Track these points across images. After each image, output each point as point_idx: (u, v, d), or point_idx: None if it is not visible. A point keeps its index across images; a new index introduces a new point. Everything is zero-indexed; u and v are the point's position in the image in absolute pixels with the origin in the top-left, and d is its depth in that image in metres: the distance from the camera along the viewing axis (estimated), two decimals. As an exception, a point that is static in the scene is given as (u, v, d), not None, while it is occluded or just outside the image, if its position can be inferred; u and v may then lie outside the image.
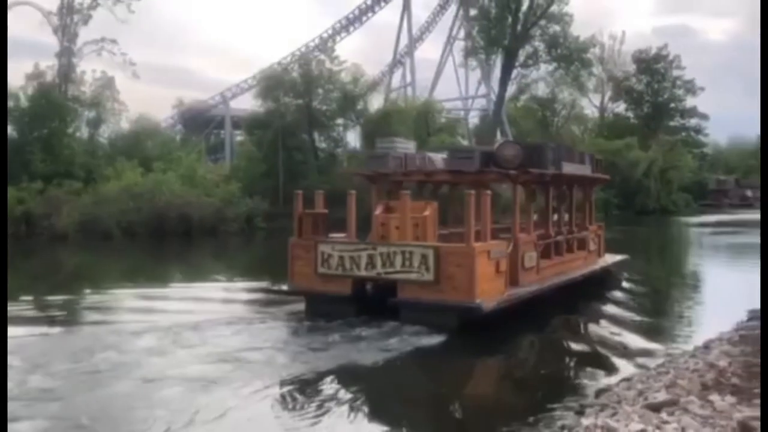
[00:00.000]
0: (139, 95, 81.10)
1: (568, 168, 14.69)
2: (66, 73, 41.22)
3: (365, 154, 18.12)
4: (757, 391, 6.06)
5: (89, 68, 44.35)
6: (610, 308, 14.27)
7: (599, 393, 7.72)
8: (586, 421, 6.10)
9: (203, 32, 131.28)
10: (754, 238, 37.08)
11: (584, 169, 16.10)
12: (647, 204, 60.98)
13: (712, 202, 77.32)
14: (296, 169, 44.17)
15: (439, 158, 14.53)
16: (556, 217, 15.38)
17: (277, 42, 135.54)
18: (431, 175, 14.30)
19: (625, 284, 17.43)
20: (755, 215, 60.40)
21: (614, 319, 13.01)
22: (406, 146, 14.99)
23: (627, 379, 8.17)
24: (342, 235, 12.99)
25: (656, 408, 6.07)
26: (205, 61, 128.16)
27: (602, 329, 12.29)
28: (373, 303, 11.62)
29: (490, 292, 11.21)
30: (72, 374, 8.31)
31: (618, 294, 16.14)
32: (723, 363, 7.54)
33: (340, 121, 49.72)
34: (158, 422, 6.73)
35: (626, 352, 10.16)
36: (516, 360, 10.34)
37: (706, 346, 9.23)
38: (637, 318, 13.46)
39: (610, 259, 17.82)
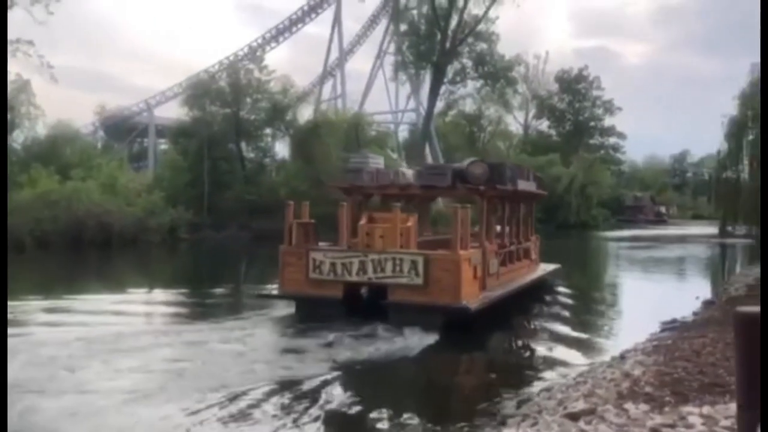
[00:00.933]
0: (58, 100, 77.92)
1: (522, 185, 16.44)
2: (-24, 74, 39.12)
3: (343, 167, 19.54)
4: (668, 399, 6.27)
5: (3, 70, 42.25)
6: (546, 315, 15.31)
7: (521, 403, 7.83)
8: (507, 432, 6.16)
9: (128, 37, 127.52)
10: (668, 252, 38.94)
11: (531, 186, 17.83)
12: (568, 218, 62.91)
13: (628, 217, 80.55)
14: (222, 179, 43.39)
15: (409, 173, 15.57)
16: (508, 228, 16.70)
17: (205, 50, 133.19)
18: (405, 189, 15.14)
19: (559, 289, 18.93)
20: (668, 231, 63.55)
21: (546, 329, 13.72)
22: (377, 161, 16.44)
23: (548, 389, 8.32)
24: (325, 244, 14.14)
25: (575, 417, 6.18)
26: (129, 67, 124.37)
27: (534, 337, 13.00)
28: (365, 305, 12.92)
29: (471, 295, 12.63)
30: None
31: (553, 301, 17.39)
32: (637, 372, 7.78)
33: (268, 131, 49.23)
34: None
35: (551, 362, 10.51)
36: (447, 368, 10.48)
37: (623, 357, 9.52)
38: (566, 327, 14.08)
39: (545, 267, 19.55)
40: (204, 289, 19.03)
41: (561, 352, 11.36)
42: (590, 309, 17.11)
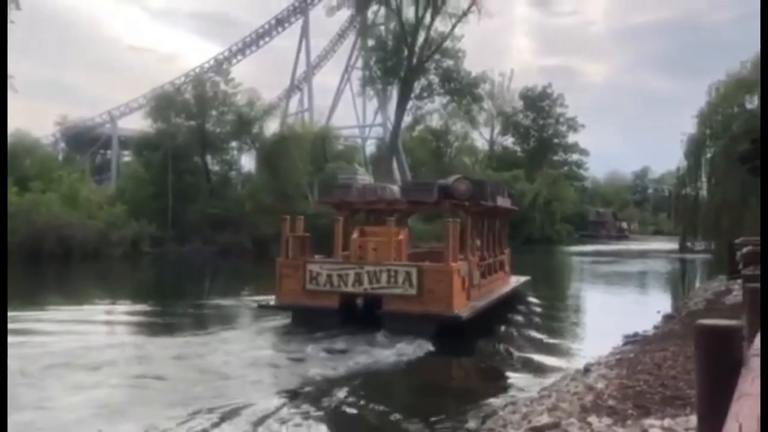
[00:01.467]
0: (17, 110, 76.21)
1: (499, 201, 17.49)
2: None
3: (332, 183, 21.17)
4: (631, 412, 6.35)
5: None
6: (522, 325, 15.88)
7: (486, 418, 7.83)
8: (472, 446, 6.16)
9: (91, 48, 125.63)
10: (629, 267, 39.59)
11: (507, 202, 18.79)
12: (533, 233, 63.53)
13: (591, 233, 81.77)
14: (187, 191, 42.89)
15: (395, 188, 16.34)
16: (486, 242, 17.40)
17: (170, 62, 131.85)
18: (392, 204, 15.75)
19: (531, 300, 19.92)
20: (630, 246, 64.66)
21: (523, 336, 14.33)
22: (364, 178, 17.42)
23: (513, 403, 8.35)
24: (319, 256, 14.74)
25: (539, 431, 6.21)
26: (92, 78, 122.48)
27: (514, 344, 13.41)
28: (360, 315, 13.58)
29: (460, 305, 13.39)
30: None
31: (528, 311, 18.13)
32: (601, 385, 7.85)
33: (234, 144, 48.89)
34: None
35: (530, 369, 10.79)
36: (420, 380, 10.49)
37: (586, 370, 9.60)
38: (541, 334, 14.66)
39: (518, 279, 20.38)
40: (167, 303, 18.78)
41: (538, 359, 11.76)
42: (559, 319, 17.61)
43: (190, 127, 45.18)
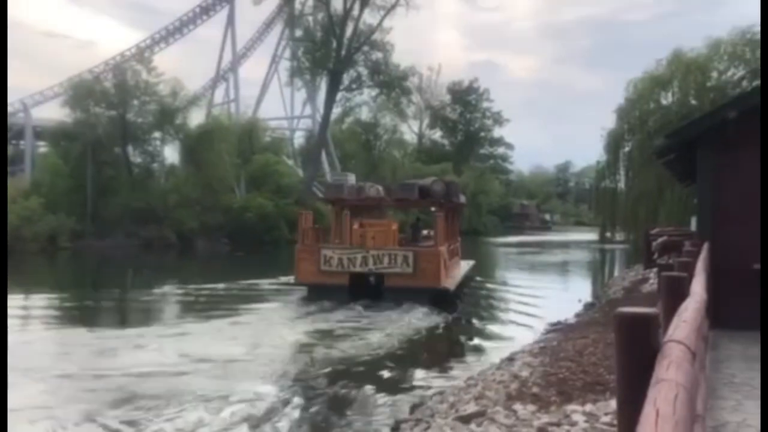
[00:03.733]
0: None
1: (461, 198, 22.20)
2: None
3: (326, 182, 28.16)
4: (554, 398, 6.52)
5: None
6: (478, 296, 20.17)
7: (414, 408, 7.89)
8: (401, 437, 6.20)
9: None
10: (553, 257, 40.83)
11: (462, 199, 23.30)
12: (461, 225, 64.50)
13: (516, 224, 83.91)
14: (107, 184, 41.38)
15: (379, 188, 19.73)
16: (450, 232, 21.04)
17: (88, 49, 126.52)
18: (380, 201, 19.57)
19: (478, 279, 24.08)
20: (553, 237, 66.73)
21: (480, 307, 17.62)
22: (351, 178, 20.95)
23: (440, 393, 8.44)
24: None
25: (466, 420, 6.30)
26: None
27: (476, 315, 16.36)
28: (367, 290, 16.82)
29: (445, 280, 17.25)
30: None
31: (478, 287, 22.49)
32: (525, 373, 8.04)
33: (157, 135, 47.36)
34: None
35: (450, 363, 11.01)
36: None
37: (511, 358, 9.82)
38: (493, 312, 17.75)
39: (468, 262, 24.47)
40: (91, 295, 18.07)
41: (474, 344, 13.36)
42: (492, 306, 19.32)
43: (111, 117, 43.54)
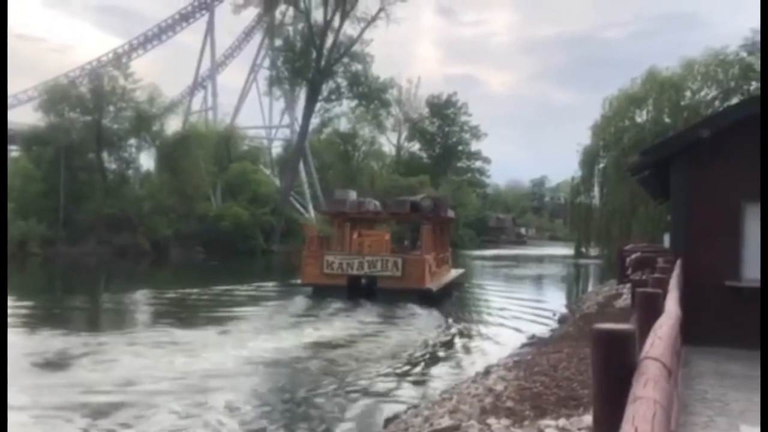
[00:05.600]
0: None
1: (449, 213, 24.96)
2: None
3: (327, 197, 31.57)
4: (528, 413, 6.51)
5: None
6: (462, 299, 23.22)
7: (388, 421, 7.82)
8: (374, 451, 6.13)
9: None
10: (528, 270, 41.05)
11: (452, 213, 26.14)
12: (450, 237, 64.51)
13: (491, 238, 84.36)
14: (81, 190, 40.83)
15: (377, 203, 23.28)
16: (439, 243, 24.21)
17: (63, 53, 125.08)
18: (377, 215, 23.35)
19: (464, 285, 26.77)
20: (528, 251, 67.17)
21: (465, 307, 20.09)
22: (352, 194, 24.03)
23: (415, 406, 8.39)
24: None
25: (440, 434, 6.26)
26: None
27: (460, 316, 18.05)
28: (362, 290, 19.98)
29: (430, 283, 20.43)
30: None
31: (465, 292, 25.45)
32: (500, 387, 8.03)
33: (132, 141, 46.91)
34: None
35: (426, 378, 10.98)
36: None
37: (486, 372, 9.80)
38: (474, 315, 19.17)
39: (457, 271, 27.54)
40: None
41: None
42: (470, 319, 19.12)
43: (86, 122, 43.06)
